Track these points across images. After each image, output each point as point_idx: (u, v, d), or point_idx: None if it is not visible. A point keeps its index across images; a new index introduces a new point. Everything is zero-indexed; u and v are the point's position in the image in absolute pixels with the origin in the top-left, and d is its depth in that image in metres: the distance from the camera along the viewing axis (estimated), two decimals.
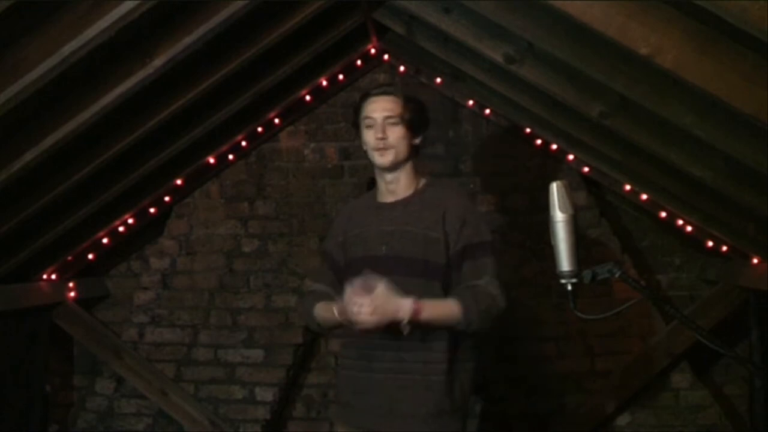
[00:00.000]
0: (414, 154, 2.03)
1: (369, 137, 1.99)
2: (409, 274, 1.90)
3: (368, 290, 1.78)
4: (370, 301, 1.77)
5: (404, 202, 2.02)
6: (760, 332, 3.28)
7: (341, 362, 2.09)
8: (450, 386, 1.92)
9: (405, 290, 1.88)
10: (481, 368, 3.57)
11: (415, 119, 2.00)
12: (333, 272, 2.10)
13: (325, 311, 1.97)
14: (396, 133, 1.97)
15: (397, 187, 2.03)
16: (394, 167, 1.99)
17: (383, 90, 2.05)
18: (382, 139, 1.96)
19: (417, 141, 2.03)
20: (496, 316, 1.91)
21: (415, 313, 1.79)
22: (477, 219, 2.02)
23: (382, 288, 1.78)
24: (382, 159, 1.98)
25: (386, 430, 1.91)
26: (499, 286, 1.93)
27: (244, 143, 3.61)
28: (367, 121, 2.00)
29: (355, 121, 2.06)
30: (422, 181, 2.06)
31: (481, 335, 1.98)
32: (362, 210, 2.11)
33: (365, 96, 2.05)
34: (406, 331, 1.81)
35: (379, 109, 1.99)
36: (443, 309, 1.86)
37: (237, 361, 3.56)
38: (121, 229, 3.52)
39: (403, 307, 1.79)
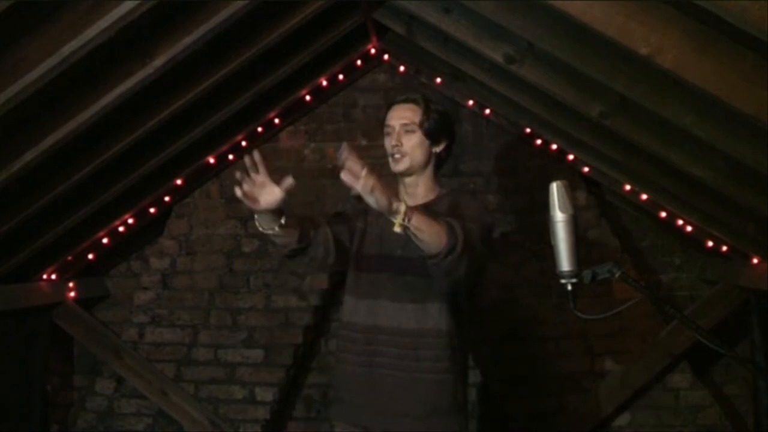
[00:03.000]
0: (434, 162, 2.04)
1: (386, 144, 2.02)
2: (420, 275, 1.91)
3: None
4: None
5: (424, 207, 1.98)
6: (761, 333, 3.28)
7: (338, 356, 2.09)
8: (452, 385, 1.93)
9: (416, 290, 1.91)
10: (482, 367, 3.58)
11: (434, 127, 2.00)
12: (341, 220, 2.06)
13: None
14: (411, 141, 1.98)
15: (415, 191, 2.04)
16: (408, 174, 2.01)
17: (405, 98, 2.05)
18: (396, 146, 1.98)
19: (438, 149, 2.03)
20: (474, 258, 1.79)
21: (410, 210, 1.70)
22: (484, 218, 1.99)
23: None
24: (395, 166, 2.00)
25: (384, 428, 1.92)
26: (480, 239, 1.83)
27: (244, 143, 3.60)
28: (386, 129, 2.03)
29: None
30: (443, 191, 2.07)
31: (456, 278, 1.81)
32: None
33: (390, 105, 2.07)
34: (397, 224, 1.70)
35: (397, 116, 2.01)
36: (434, 221, 1.74)
37: (237, 361, 3.55)
38: (121, 229, 3.52)
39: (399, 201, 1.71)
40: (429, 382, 1.91)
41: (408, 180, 2.04)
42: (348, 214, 2.12)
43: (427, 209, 1.95)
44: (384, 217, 1.97)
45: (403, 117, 2.00)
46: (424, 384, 1.91)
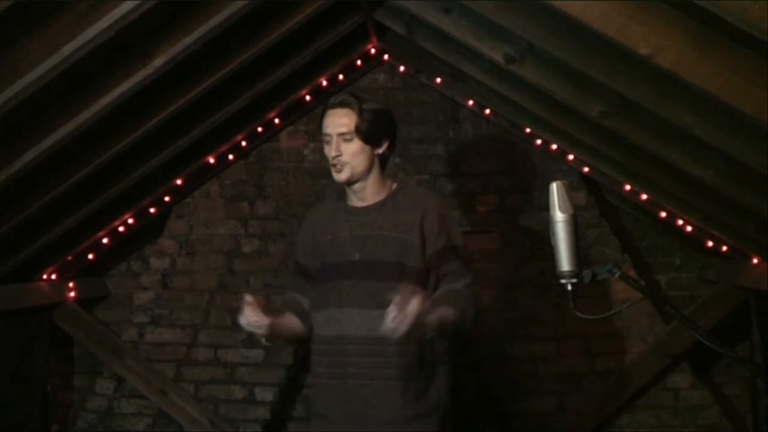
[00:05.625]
0: (379, 162, 2.01)
1: (326, 152, 2.00)
2: (384, 279, 1.90)
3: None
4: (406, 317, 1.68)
5: (377, 207, 2.00)
6: (761, 332, 3.28)
7: (313, 371, 2.06)
8: (425, 390, 1.92)
9: (380, 295, 1.86)
10: (477, 369, 3.57)
11: (373, 130, 1.95)
12: (303, 279, 2.11)
13: (292, 323, 2.05)
14: (350, 149, 1.94)
15: (365, 194, 2.02)
16: (353, 182, 1.99)
17: (339, 101, 1.98)
18: (337, 156, 1.95)
19: (380, 150, 2.00)
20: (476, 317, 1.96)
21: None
22: (454, 222, 2.06)
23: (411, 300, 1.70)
24: (337, 176, 1.98)
25: None
26: (476, 288, 1.99)
27: (244, 143, 3.60)
28: (324, 137, 1.99)
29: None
30: (393, 185, 2.05)
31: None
32: (332, 215, 2.08)
33: (324, 108, 2.02)
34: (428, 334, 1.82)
35: (333, 124, 1.96)
36: (446, 314, 1.84)
37: (237, 361, 3.55)
38: (121, 229, 3.51)
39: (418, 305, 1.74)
40: (405, 388, 1.89)
41: (355, 186, 2.01)
42: (298, 261, 2.15)
43: (381, 208, 2.00)
44: (333, 223, 2.04)
45: (339, 125, 1.95)
46: (400, 391, 1.88)
